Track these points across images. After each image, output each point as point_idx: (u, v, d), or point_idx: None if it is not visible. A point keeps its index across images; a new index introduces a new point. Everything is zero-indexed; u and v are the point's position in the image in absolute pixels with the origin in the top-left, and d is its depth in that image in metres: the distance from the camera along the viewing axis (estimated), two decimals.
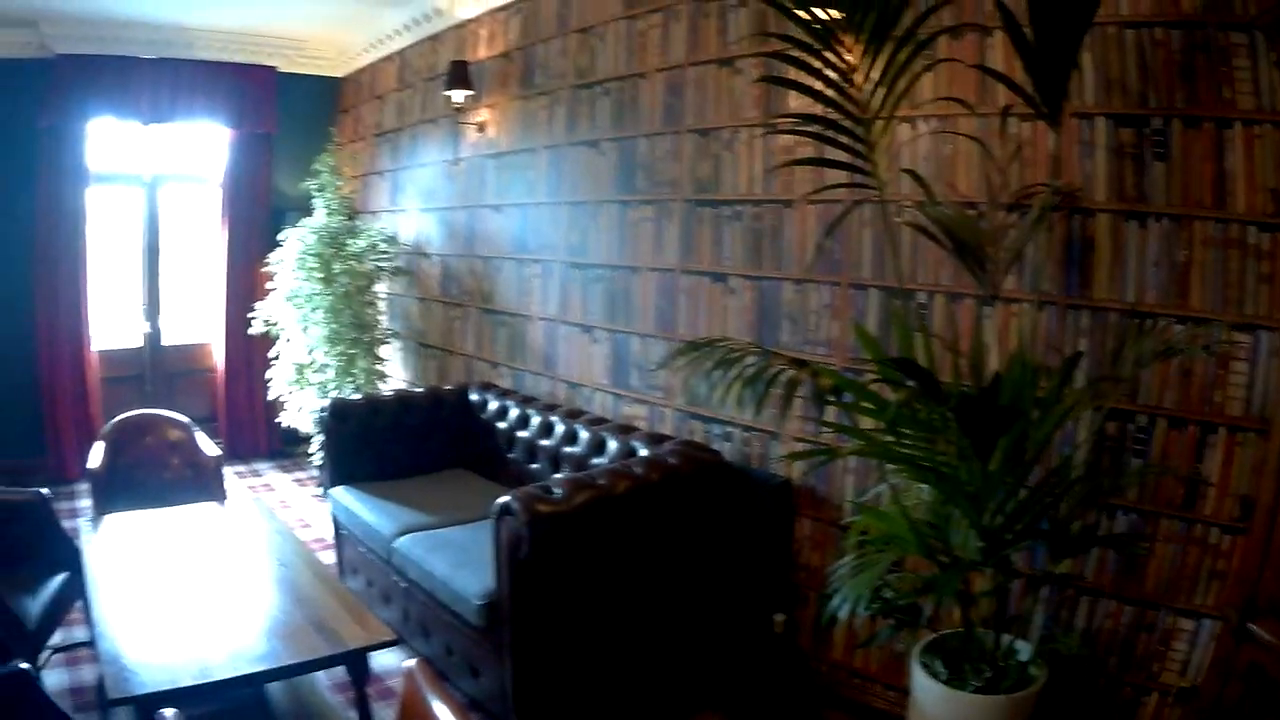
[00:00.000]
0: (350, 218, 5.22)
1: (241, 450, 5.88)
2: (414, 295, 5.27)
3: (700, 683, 2.98)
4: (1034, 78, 2.03)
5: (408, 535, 3.30)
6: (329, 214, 5.07)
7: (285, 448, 5.92)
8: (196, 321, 6.07)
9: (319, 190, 5.14)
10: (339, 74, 6.25)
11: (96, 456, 3.71)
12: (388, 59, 5.62)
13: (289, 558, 2.94)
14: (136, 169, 5.79)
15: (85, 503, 4.37)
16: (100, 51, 5.31)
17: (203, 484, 3.77)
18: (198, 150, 5.92)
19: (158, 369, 5.93)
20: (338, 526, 3.90)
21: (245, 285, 5.74)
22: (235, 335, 5.74)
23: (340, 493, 3.79)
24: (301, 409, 5.02)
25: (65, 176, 5.28)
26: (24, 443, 5.23)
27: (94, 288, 5.42)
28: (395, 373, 5.50)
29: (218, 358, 5.95)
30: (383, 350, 5.24)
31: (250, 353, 5.74)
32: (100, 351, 5.53)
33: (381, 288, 5.47)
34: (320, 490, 5.02)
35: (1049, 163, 2.33)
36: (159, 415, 4.11)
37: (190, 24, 5.39)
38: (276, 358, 5.18)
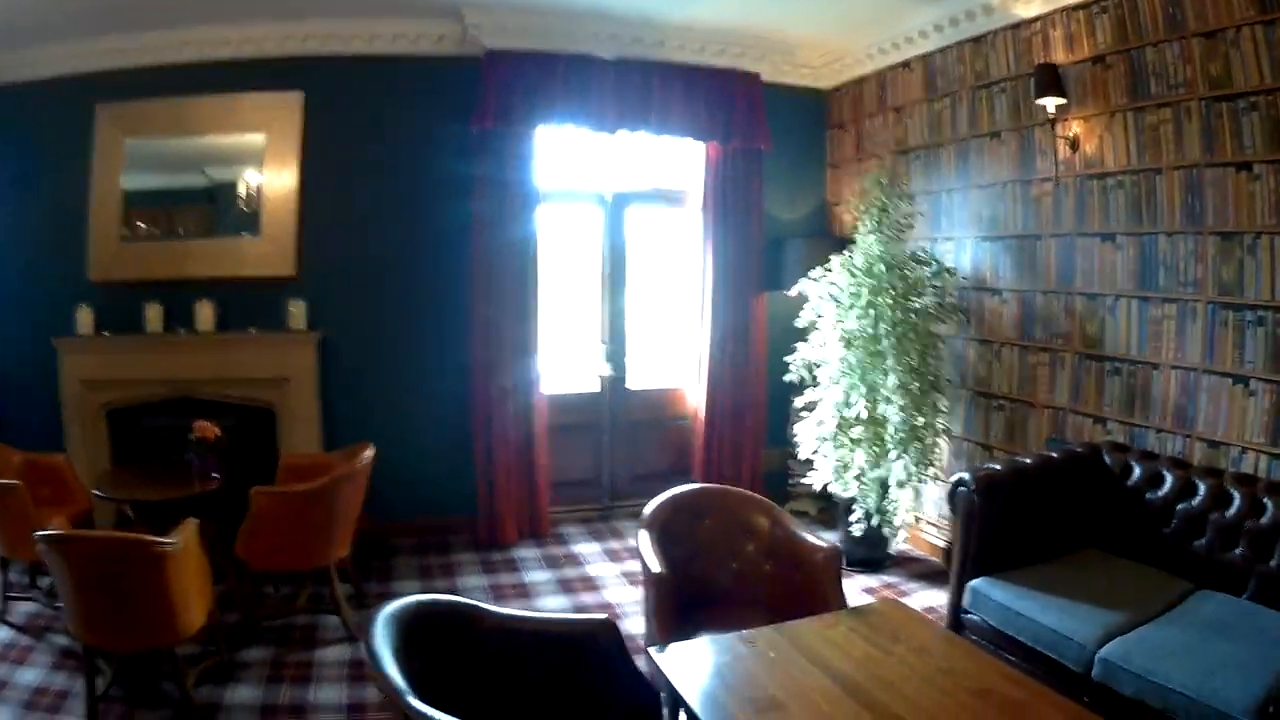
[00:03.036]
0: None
1: None
2: (971, 337, 4.88)
3: None
4: None
5: (1115, 641, 2.91)
6: (881, 241, 4.68)
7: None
8: (665, 362, 5.98)
9: (866, 210, 4.76)
10: (824, 85, 5.94)
11: (651, 553, 3.01)
12: (901, 66, 5.21)
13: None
14: (594, 186, 5.63)
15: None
16: (539, 47, 5.05)
17: (805, 586, 3.10)
18: (666, 166, 5.77)
19: (619, 417, 5.83)
20: (975, 628, 3.47)
21: (736, 322, 5.64)
22: (719, 379, 5.66)
23: (985, 586, 3.43)
24: (844, 472, 4.75)
25: (508, 193, 5.10)
26: (450, 498, 5.28)
27: (545, 323, 5.34)
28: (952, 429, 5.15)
29: (694, 404, 5.82)
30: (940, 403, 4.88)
31: (739, 399, 5.67)
32: (550, 396, 5.44)
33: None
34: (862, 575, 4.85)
35: None
36: (726, 492, 3.55)
37: (662, 17, 5.05)
38: (808, 407, 4.98)
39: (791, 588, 3.20)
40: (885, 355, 4.49)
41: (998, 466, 3.78)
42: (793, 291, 5.08)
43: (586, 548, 5.23)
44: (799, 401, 5.13)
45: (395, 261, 5.22)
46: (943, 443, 4.78)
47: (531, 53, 5.06)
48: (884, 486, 4.64)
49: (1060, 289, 4.35)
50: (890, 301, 4.49)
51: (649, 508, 3.28)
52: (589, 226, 5.71)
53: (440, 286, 5.25)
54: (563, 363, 5.66)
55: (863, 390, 4.54)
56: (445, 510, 5.35)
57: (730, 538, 3.38)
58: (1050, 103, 4.13)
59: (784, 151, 5.64)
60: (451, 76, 5.13)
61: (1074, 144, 4.19)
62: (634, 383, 5.88)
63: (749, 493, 3.55)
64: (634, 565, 4.87)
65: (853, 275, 4.66)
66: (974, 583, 3.52)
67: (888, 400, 4.48)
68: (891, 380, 4.45)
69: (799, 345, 4.94)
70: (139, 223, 4.95)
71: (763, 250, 5.67)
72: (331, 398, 5.10)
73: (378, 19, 4.94)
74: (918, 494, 4.63)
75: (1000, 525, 3.59)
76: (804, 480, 5.81)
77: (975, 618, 3.50)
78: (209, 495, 4.01)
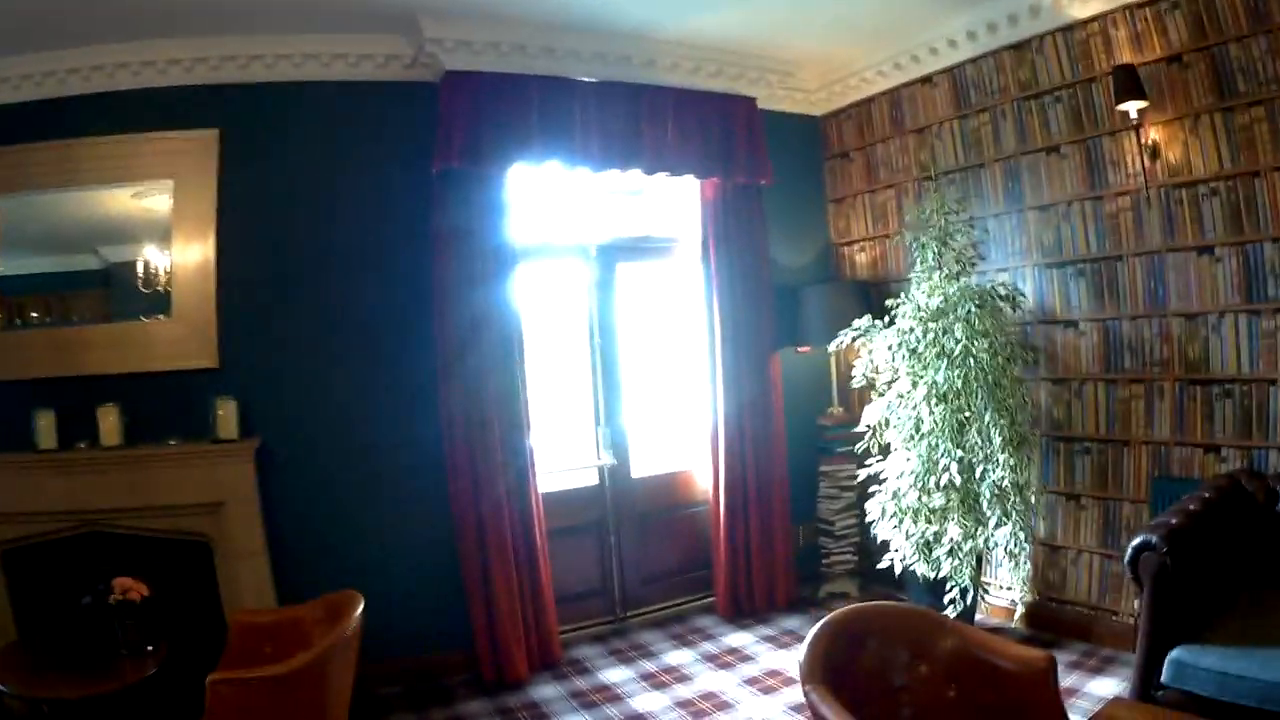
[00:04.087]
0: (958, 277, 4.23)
1: (749, 608, 4.92)
2: (1042, 377, 4.36)
3: None
4: None
5: None
6: (947, 278, 4.10)
7: (813, 595, 5.15)
8: (671, 441, 5.17)
9: (923, 244, 4.18)
10: (818, 111, 5.43)
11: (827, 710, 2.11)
12: (922, 82, 4.76)
13: None
14: (577, 237, 4.76)
15: None
16: (509, 69, 4.19)
17: (1007, 709, 2.42)
18: (656, 210, 5.07)
19: (623, 512, 4.90)
20: (1175, 703, 2.89)
21: (752, 387, 4.92)
22: (737, 454, 4.88)
23: (1191, 655, 2.89)
24: (931, 549, 4.08)
25: (480, 249, 4.14)
26: (440, 631, 4.25)
27: (535, 409, 4.42)
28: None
29: (709, 486, 4.97)
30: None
31: (762, 475, 4.93)
32: (545, 495, 4.45)
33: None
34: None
35: None
36: (880, 611, 2.73)
37: (654, 31, 4.34)
38: (874, 479, 4.31)
39: (989, 716, 2.46)
40: (983, 410, 3.87)
41: (1172, 519, 3.21)
42: (832, 347, 4.45)
43: (615, 674, 4.24)
44: (863, 474, 4.44)
45: (345, 343, 4.17)
46: (1031, 499, 4.19)
47: (500, 75, 4.20)
48: (977, 558, 4.04)
49: (1151, 311, 3.92)
50: (987, 347, 3.89)
51: (803, 655, 2.39)
52: (573, 287, 4.86)
53: (404, 371, 4.23)
54: (556, 454, 4.73)
55: (954, 453, 3.90)
56: (436, 646, 4.23)
57: (896, 664, 2.59)
58: (1133, 107, 3.75)
59: (781, 187, 5.04)
60: (404, 106, 4.22)
61: (1153, 152, 3.82)
62: (638, 469, 5.00)
63: (907, 605, 3.04)
64: (684, 689, 4.01)
65: (925, 320, 4.03)
66: (1175, 654, 2.96)
67: (988, 460, 3.87)
68: (997, 439, 3.84)
69: (869, 409, 4.28)
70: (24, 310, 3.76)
71: (773, 302, 5.01)
72: (279, 521, 3.92)
73: (309, 35, 3.97)
74: (1016, 564, 4.01)
75: (1189, 583, 3.06)
76: (840, 558, 5.14)
77: (1173, 691, 2.93)
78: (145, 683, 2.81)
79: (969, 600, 4.00)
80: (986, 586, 4.49)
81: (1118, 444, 4.09)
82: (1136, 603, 3.45)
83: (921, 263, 4.20)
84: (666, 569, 5.02)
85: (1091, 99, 4.01)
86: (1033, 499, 4.04)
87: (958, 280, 4.09)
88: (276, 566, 3.84)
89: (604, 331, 4.87)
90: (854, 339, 4.33)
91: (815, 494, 5.18)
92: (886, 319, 4.24)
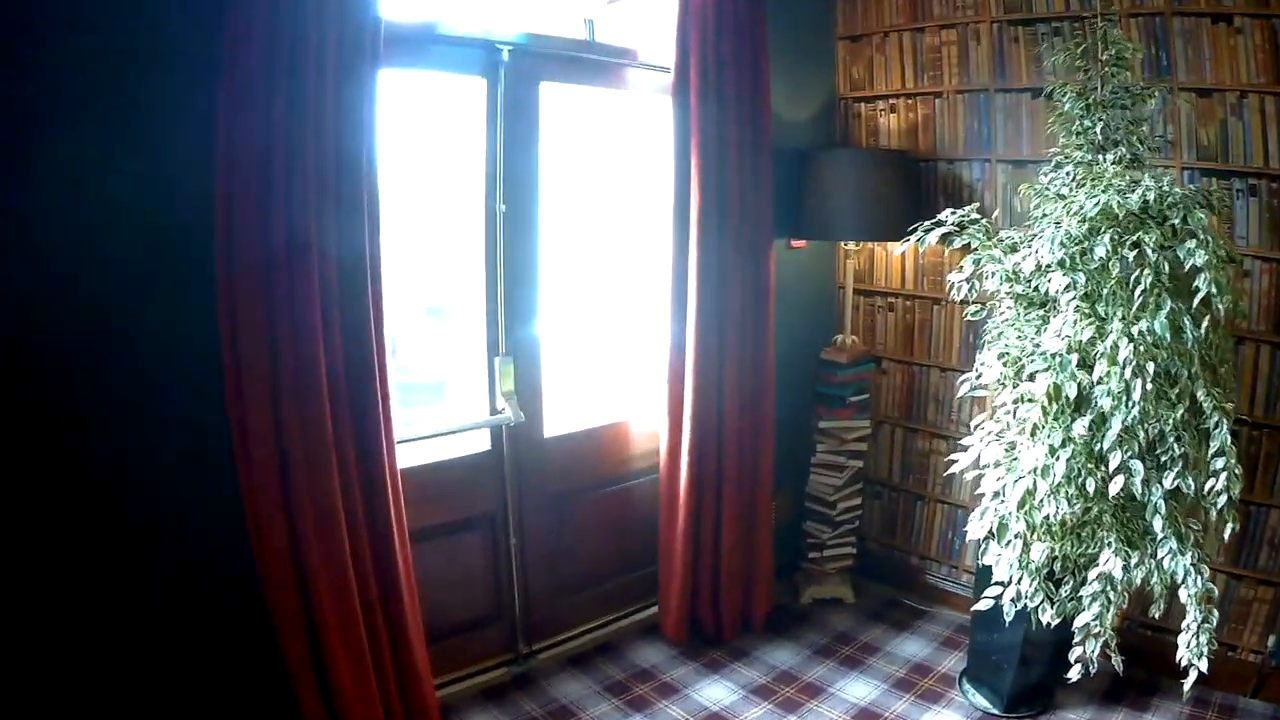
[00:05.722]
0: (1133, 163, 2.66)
1: (713, 628, 3.34)
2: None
3: None
4: None
5: None
6: (1117, 163, 2.50)
7: (794, 602, 3.65)
8: (608, 378, 3.50)
9: (1088, 106, 2.55)
10: None
11: None
12: None
13: None
14: (475, 24, 2.75)
15: None
16: None
17: None
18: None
19: (529, 491, 3.07)
20: None
21: (744, 293, 3.22)
22: (712, 391, 3.19)
23: None
24: (1060, 582, 2.54)
25: (302, 34, 2.09)
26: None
27: (393, 320, 2.51)
28: None
29: (651, 444, 3.33)
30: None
31: (747, 422, 3.29)
32: (406, 471, 2.59)
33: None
34: None
35: None
36: None
37: None
38: (990, 468, 2.62)
39: None
40: (1194, 376, 2.28)
41: None
42: (899, 248, 2.78)
43: None
44: (960, 462, 2.69)
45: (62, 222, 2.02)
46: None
47: None
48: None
49: None
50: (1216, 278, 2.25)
51: None
52: (465, 117, 2.83)
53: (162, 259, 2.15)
54: (424, 406, 2.95)
55: (1138, 439, 2.32)
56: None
57: None
58: None
59: (771, 11, 3.25)
60: None
61: None
62: (553, 425, 3.16)
63: None
64: None
65: (1099, 228, 2.34)
66: None
67: (1187, 463, 2.29)
68: (1223, 432, 2.23)
69: (981, 358, 2.66)
70: None
71: (772, 171, 3.27)
72: None
73: None
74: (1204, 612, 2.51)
75: None
76: (836, 551, 3.63)
77: None
78: None
79: (1115, 664, 2.53)
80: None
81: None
82: None
83: (1077, 135, 2.59)
84: (591, 571, 3.31)
85: None
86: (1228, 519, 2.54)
87: (1141, 173, 2.45)
88: None
89: (514, 196, 2.87)
90: (944, 240, 2.67)
91: (807, 459, 3.61)
92: (970, 213, 2.62)
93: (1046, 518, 2.39)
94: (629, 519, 3.40)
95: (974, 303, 2.74)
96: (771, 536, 3.47)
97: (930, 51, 3.52)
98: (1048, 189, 2.64)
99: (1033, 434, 2.40)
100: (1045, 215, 2.56)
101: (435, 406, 3.40)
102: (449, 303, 3.25)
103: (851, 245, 3.48)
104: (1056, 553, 2.50)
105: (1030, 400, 2.41)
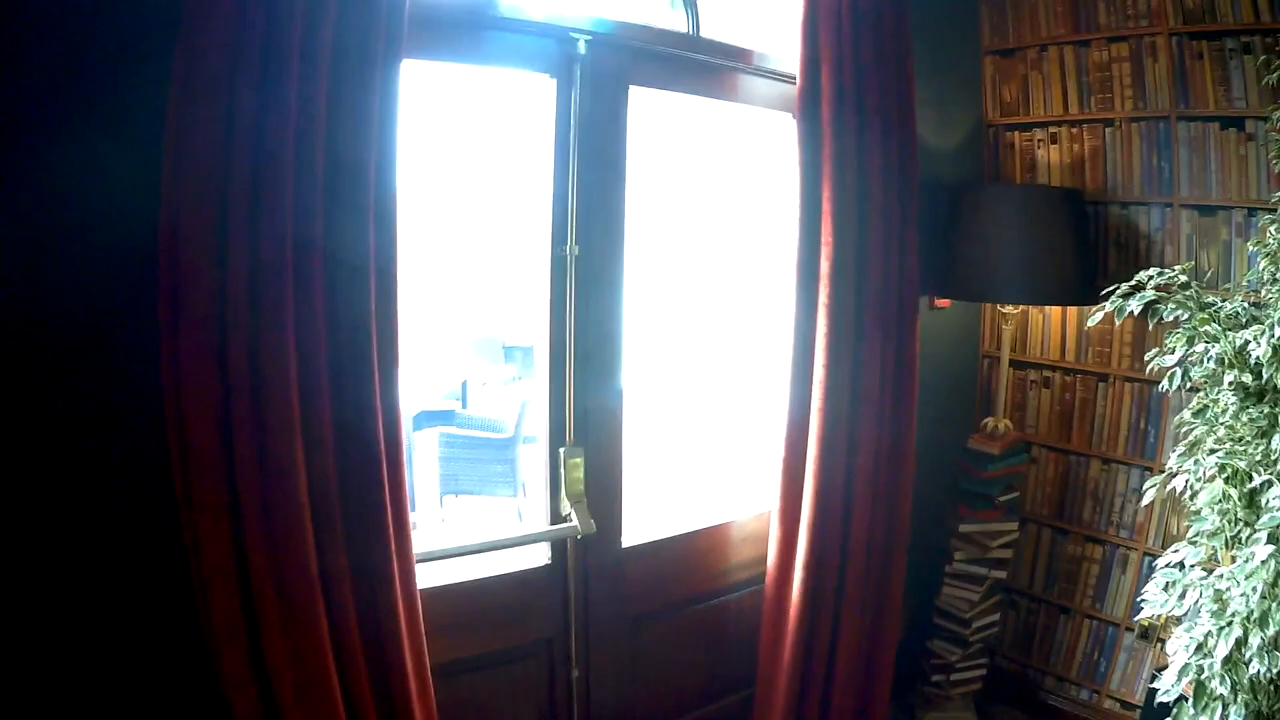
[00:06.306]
0: None
1: None
2: None
3: None
4: None
5: None
6: None
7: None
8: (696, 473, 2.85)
9: None
10: None
11: None
12: None
13: None
14: (542, 7, 2.08)
15: None
16: None
17: None
18: None
19: (597, 615, 2.38)
20: None
21: (884, 357, 2.48)
22: (838, 491, 2.47)
23: None
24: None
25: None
26: None
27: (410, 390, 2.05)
28: None
29: (758, 548, 2.63)
30: None
31: (880, 518, 2.56)
32: (430, 592, 1.97)
33: None
34: None
35: None
36: None
37: None
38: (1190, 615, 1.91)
39: None
40: None
41: None
42: (1096, 318, 2.00)
43: None
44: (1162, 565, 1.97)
45: None
46: None
47: None
48: None
49: None
50: None
51: None
52: (526, 127, 2.20)
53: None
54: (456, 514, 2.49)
55: None
56: None
57: None
58: None
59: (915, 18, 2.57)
60: None
61: None
62: (634, 531, 2.46)
63: None
64: None
65: None
66: None
67: None
68: None
69: (1175, 460, 1.96)
70: None
71: (918, 214, 2.57)
72: None
73: None
74: None
75: None
76: (965, 674, 2.95)
77: None
78: None
79: None
80: None
81: None
82: None
83: None
84: (674, 705, 2.62)
85: None
86: None
87: None
88: None
89: (590, 236, 2.19)
90: (1151, 311, 1.96)
91: (937, 567, 2.91)
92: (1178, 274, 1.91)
93: (1256, 674, 1.72)
94: (721, 639, 2.70)
95: (1189, 389, 2.06)
96: (894, 663, 2.79)
97: (1097, 69, 2.83)
98: None
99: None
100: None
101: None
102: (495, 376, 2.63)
103: (1009, 308, 2.79)
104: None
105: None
